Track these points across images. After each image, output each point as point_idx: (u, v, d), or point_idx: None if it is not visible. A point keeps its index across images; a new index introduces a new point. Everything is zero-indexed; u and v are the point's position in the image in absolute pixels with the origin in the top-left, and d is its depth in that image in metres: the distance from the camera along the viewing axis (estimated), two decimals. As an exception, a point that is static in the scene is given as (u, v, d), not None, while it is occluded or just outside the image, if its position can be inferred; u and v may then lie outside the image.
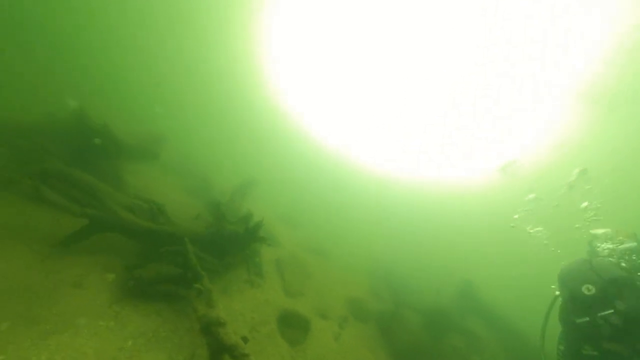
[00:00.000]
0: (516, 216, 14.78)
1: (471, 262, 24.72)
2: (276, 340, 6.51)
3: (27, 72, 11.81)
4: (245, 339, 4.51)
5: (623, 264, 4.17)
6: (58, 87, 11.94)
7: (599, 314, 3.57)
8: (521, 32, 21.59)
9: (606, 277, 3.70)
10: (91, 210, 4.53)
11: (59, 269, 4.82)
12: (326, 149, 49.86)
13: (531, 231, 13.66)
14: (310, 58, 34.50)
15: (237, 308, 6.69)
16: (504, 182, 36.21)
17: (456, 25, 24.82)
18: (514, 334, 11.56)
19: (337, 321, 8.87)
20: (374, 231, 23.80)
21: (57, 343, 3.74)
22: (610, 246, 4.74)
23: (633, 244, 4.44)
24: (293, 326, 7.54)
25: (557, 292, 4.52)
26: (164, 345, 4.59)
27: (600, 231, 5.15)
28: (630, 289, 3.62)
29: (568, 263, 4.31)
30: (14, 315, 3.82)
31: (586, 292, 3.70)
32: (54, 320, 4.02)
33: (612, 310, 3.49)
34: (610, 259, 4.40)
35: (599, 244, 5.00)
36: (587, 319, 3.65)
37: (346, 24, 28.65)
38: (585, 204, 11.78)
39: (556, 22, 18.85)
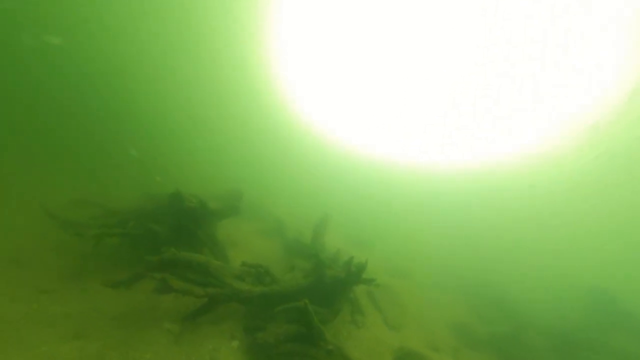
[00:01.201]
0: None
1: (592, 263, 21.41)
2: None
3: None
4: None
5: None
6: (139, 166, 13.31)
7: None
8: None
9: None
10: (211, 289, 4.67)
11: (193, 345, 4.94)
12: (373, 160, 48.86)
13: None
14: (320, 59, 34.95)
15: (355, 355, 6.36)
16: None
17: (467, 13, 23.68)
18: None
19: (450, 352, 8.07)
20: (449, 241, 22.25)
21: None
22: None
23: None
24: (412, 366, 6.97)
25: None
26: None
27: None
28: None
29: None
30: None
31: None
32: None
33: None
34: None
35: None
36: None
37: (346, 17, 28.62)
38: None
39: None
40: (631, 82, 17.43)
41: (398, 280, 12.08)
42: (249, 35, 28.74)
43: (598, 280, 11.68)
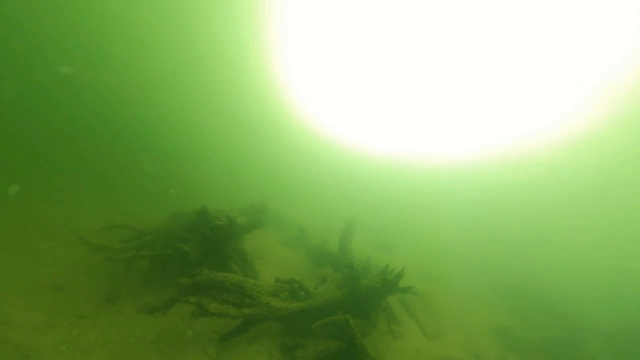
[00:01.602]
0: None
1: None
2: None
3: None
4: None
5: None
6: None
7: None
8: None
9: None
10: (247, 309, 4.52)
11: (233, 368, 4.79)
12: (386, 159, 48.02)
13: None
14: (327, 64, 35.02)
15: (398, 370, 6.06)
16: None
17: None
18: None
19: (495, 361, 7.59)
20: (473, 237, 21.46)
21: None
22: None
23: None
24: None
25: None
26: None
27: None
28: None
29: None
30: None
31: None
32: None
33: None
34: None
35: None
36: None
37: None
38: None
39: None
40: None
41: (428, 284, 11.63)
42: (259, 48, 29.25)
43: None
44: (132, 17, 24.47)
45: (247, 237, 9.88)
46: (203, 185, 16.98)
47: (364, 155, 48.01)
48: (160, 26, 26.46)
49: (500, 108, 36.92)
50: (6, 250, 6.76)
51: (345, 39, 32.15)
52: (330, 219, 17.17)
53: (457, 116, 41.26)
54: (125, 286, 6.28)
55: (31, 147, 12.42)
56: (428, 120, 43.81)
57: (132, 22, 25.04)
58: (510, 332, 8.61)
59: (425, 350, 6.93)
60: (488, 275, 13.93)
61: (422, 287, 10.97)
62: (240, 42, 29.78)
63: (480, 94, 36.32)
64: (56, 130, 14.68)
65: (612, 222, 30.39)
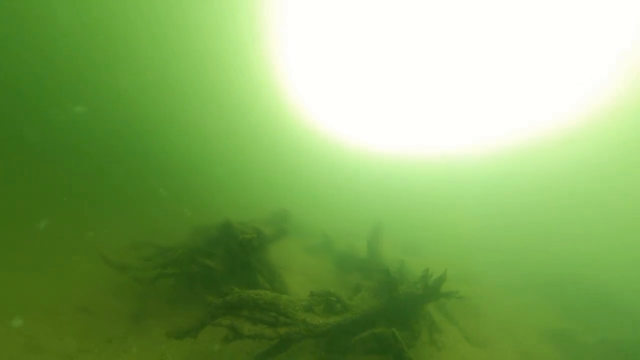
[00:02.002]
0: None
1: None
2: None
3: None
4: None
5: None
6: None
7: None
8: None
9: None
10: (283, 328, 4.13)
11: (271, 392, 4.41)
12: (401, 159, 46.86)
13: None
14: (333, 68, 34.83)
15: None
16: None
17: None
18: None
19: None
20: (501, 233, 20.36)
21: None
22: None
23: None
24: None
25: None
26: None
27: None
28: None
29: None
30: None
31: None
32: None
33: None
34: None
35: None
36: None
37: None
38: None
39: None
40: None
41: (463, 286, 10.87)
42: (274, 58, 29.49)
43: None
44: (143, 32, 25.29)
45: (270, 246, 9.58)
46: (220, 197, 16.95)
47: (378, 157, 47.15)
48: (170, 40, 27.20)
49: (513, 97, 35.61)
50: (35, 270, 6.75)
51: (351, 38, 31.90)
52: (351, 223, 16.69)
53: (467, 109, 40.05)
54: (152, 305, 6.06)
55: (57, 175, 12.84)
56: (439, 116, 42.78)
57: (146, 39, 25.86)
58: (566, 335, 7.80)
59: (474, 361, 6.32)
60: (524, 272, 12.97)
61: (458, 289, 10.28)
62: (255, 55, 30.20)
63: (488, 85, 35.25)
64: (80, 158, 15.24)
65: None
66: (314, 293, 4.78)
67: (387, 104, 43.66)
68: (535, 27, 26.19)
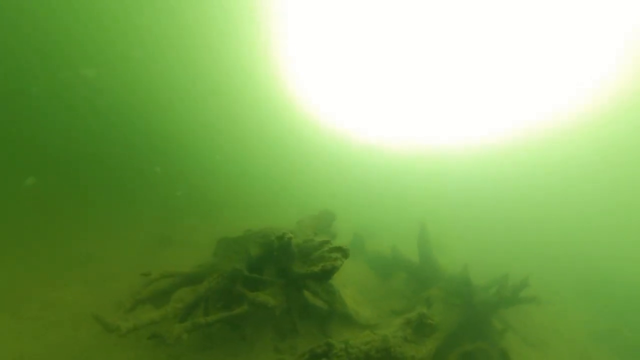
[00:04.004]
0: None
1: None
2: None
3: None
4: None
5: None
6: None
7: None
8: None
9: None
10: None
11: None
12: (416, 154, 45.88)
13: None
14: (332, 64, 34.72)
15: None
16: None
17: None
18: None
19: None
20: (526, 227, 20.22)
21: None
22: None
23: None
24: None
25: None
26: None
27: None
28: None
29: None
30: None
31: None
32: None
33: None
34: None
35: None
36: None
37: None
38: None
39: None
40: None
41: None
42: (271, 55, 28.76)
43: None
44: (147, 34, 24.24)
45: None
46: (246, 201, 16.48)
47: (393, 153, 46.39)
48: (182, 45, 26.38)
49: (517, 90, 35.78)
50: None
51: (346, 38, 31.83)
52: (375, 222, 16.37)
53: (476, 102, 40.05)
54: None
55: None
56: (449, 110, 42.71)
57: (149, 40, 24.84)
58: (616, 335, 7.73)
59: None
60: (555, 270, 12.91)
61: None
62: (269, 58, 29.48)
63: (491, 80, 35.37)
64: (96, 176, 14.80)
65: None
66: (410, 320, 4.37)
67: (398, 100, 43.31)
68: (535, 27, 26.15)
